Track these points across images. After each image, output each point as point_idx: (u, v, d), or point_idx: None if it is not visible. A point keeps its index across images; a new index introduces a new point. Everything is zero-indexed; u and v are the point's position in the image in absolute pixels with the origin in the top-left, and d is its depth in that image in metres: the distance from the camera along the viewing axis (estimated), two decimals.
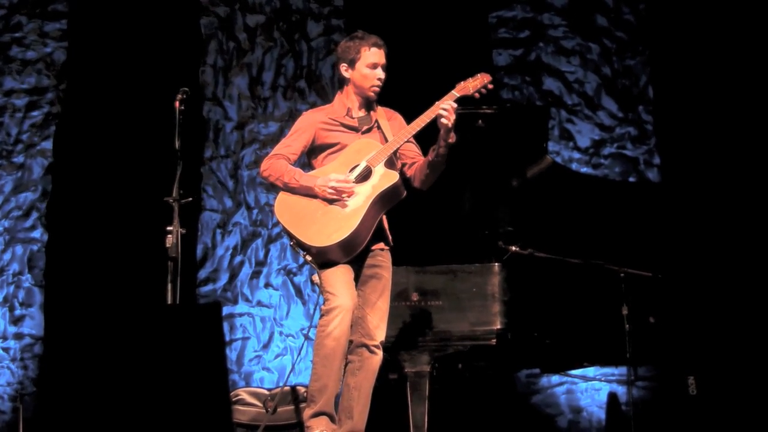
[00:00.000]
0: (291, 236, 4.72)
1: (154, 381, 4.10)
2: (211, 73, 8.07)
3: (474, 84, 4.79)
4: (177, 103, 4.96)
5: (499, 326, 5.53)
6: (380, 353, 4.74)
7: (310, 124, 4.91)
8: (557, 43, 7.97)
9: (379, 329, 4.74)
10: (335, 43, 8.04)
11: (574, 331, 5.86)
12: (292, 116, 7.92)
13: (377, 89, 4.87)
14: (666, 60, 7.76)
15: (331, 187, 4.67)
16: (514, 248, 6.04)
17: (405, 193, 4.79)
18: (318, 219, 4.67)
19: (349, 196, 4.67)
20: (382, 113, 4.95)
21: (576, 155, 7.78)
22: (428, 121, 4.71)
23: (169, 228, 4.80)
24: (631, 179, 7.67)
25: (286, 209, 4.76)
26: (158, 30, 7.89)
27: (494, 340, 5.52)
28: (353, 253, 4.68)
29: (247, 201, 7.87)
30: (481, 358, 5.99)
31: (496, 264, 5.67)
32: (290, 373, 5.92)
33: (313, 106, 7.89)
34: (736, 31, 7.57)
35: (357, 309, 4.70)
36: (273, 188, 4.91)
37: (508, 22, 8.04)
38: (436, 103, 4.73)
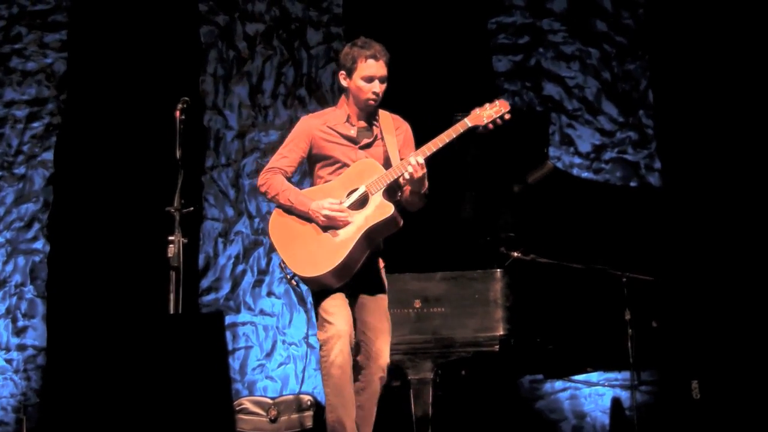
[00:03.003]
0: (280, 257, 4.69)
1: (157, 391, 4.11)
2: (211, 82, 8.08)
3: (489, 113, 4.69)
4: (177, 113, 4.97)
5: (501, 332, 5.54)
6: (384, 375, 4.68)
7: (306, 132, 4.83)
8: (557, 49, 7.95)
9: (382, 351, 4.68)
10: (335, 51, 8.05)
11: (577, 337, 5.88)
12: (293, 124, 7.90)
13: (372, 103, 4.74)
14: (666, 64, 7.73)
15: (324, 215, 4.60)
16: (516, 254, 6.04)
17: (401, 223, 4.70)
18: (308, 245, 4.61)
19: (342, 225, 4.60)
20: (388, 123, 4.83)
21: (577, 160, 7.76)
22: (435, 149, 4.62)
23: (170, 237, 4.81)
24: (633, 184, 7.65)
25: (279, 228, 4.71)
26: (158, 40, 7.90)
27: (497, 347, 5.53)
28: (342, 281, 4.61)
29: (248, 210, 7.87)
30: (484, 365, 5.98)
31: (499, 270, 5.67)
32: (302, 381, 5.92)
33: None
34: (735, 35, 7.55)
35: (359, 333, 4.68)
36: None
37: (507, 28, 8.03)
38: (446, 131, 4.67)
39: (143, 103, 7.68)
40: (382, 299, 4.78)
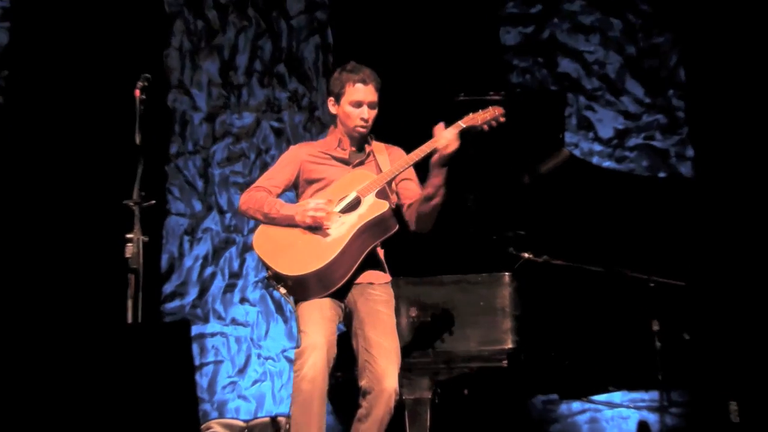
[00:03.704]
0: (267, 267, 4.80)
1: (113, 412, 4.06)
2: (176, 56, 8.09)
3: (483, 116, 4.86)
4: (137, 92, 5.02)
5: (510, 345, 5.55)
6: (391, 401, 4.69)
7: (295, 157, 5.07)
8: (574, 19, 8.00)
9: (387, 373, 4.70)
10: (318, 22, 8.03)
11: (597, 351, 5.89)
12: (270, 105, 7.93)
13: (361, 130, 4.99)
14: (699, 37, 7.73)
15: (311, 208, 4.76)
16: (526, 255, 6.06)
17: (396, 226, 4.88)
18: (297, 247, 4.77)
19: (330, 222, 4.75)
20: (380, 147, 5.09)
21: (597, 147, 7.81)
22: (428, 151, 4.78)
23: (129, 235, 4.81)
24: (661, 174, 7.68)
25: (265, 240, 4.86)
26: (116, 8, 7.85)
27: (505, 362, 5.54)
28: (332, 287, 4.75)
29: (218, 204, 7.87)
30: (491, 382, 6.00)
31: (507, 273, 5.67)
32: None
33: (294, 93, 7.93)
34: None
35: (361, 351, 4.76)
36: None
37: None
38: (440, 133, 4.78)
39: (98, 81, 7.66)
40: (387, 314, 4.88)
